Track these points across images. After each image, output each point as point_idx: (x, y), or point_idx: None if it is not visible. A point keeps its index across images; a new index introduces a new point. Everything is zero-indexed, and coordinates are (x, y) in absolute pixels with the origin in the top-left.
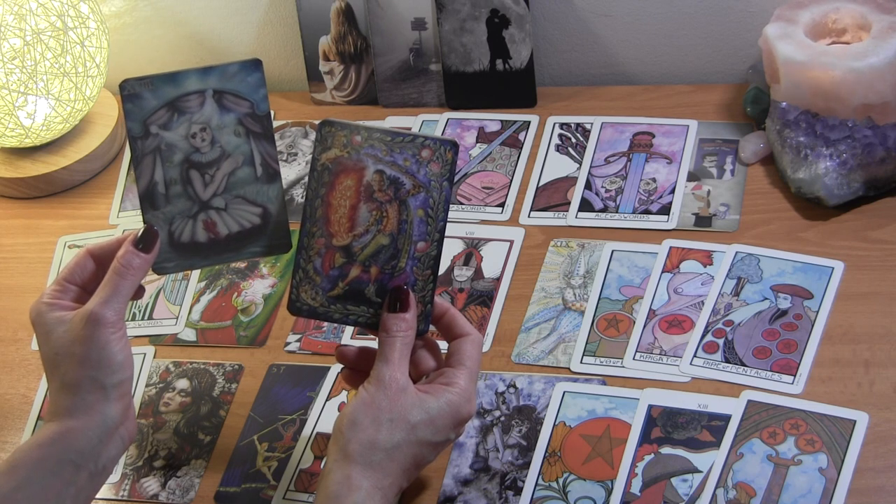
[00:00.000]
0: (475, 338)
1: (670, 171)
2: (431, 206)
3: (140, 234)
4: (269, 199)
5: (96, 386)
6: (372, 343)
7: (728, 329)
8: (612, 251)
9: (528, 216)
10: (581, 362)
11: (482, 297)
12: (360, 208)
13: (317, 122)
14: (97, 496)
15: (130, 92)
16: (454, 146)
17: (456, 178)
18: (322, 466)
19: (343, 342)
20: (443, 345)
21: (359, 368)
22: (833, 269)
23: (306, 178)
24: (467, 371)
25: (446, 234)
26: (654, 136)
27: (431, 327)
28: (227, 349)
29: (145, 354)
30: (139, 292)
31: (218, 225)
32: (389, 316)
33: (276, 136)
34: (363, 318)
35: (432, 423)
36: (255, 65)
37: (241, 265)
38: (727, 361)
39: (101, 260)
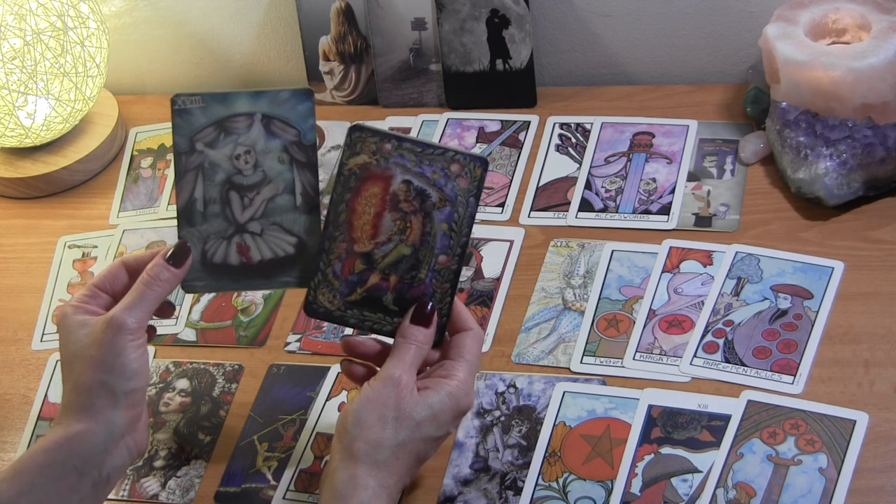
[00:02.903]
0: (476, 333)
1: (670, 171)
2: (456, 220)
3: (172, 249)
4: (305, 230)
5: (107, 391)
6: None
7: (728, 329)
8: (612, 251)
9: (528, 216)
10: (581, 362)
11: (482, 297)
12: (385, 216)
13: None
14: None
15: (181, 107)
16: (484, 163)
17: None
18: (323, 466)
19: None
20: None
21: (363, 361)
22: (833, 269)
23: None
24: (467, 363)
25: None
26: (654, 136)
27: None
28: (227, 349)
29: None
30: (168, 311)
31: (251, 250)
32: (410, 325)
33: None
34: (378, 325)
35: (435, 419)
36: (307, 94)
37: None
38: (727, 361)
39: (134, 271)
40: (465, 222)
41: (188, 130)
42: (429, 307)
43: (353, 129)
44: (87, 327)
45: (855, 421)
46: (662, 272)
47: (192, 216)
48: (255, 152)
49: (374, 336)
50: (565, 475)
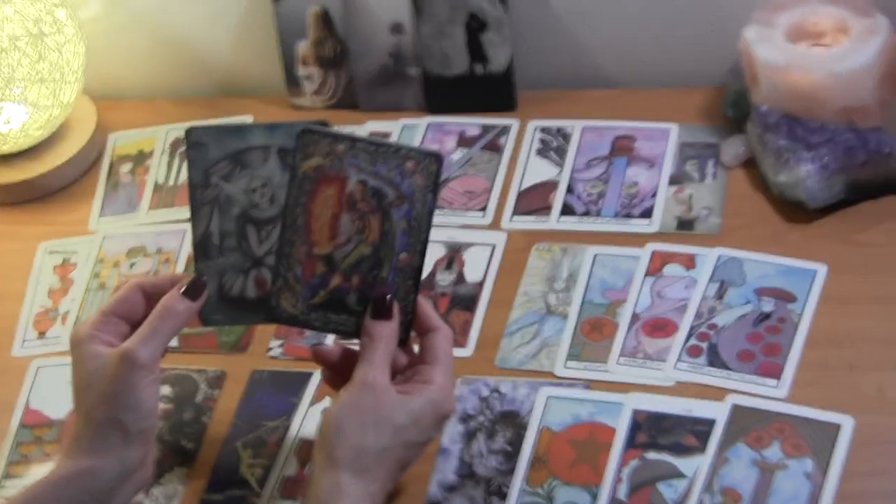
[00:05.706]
0: (445, 332)
1: (652, 174)
2: (415, 217)
3: (188, 283)
4: None
5: (119, 428)
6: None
7: (712, 333)
8: (595, 255)
9: (510, 220)
10: (565, 366)
11: (465, 302)
12: (342, 217)
13: None
14: None
15: (195, 140)
16: (439, 159)
17: None
18: (306, 473)
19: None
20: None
21: (336, 369)
22: (816, 271)
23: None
24: (442, 366)
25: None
26: (635, 140)
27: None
28: (208, 355)
29: None
30: None
31: (269, 283)
32: (373, 322)
33: None
34: (343, 326)
35: (416, 424)
36: (322, 126)
37: None
38: (711, 365)
39: (151, 296)
40: (423, 219)
41: (203, 163)
42: (388, 299)
43: (304, 133)
44: (99, 359)
45: (840, 425)
46: (645, 276)
47: (208, 250)
48: (272, 186)
49: (343, 345)
50: (550, 480)
